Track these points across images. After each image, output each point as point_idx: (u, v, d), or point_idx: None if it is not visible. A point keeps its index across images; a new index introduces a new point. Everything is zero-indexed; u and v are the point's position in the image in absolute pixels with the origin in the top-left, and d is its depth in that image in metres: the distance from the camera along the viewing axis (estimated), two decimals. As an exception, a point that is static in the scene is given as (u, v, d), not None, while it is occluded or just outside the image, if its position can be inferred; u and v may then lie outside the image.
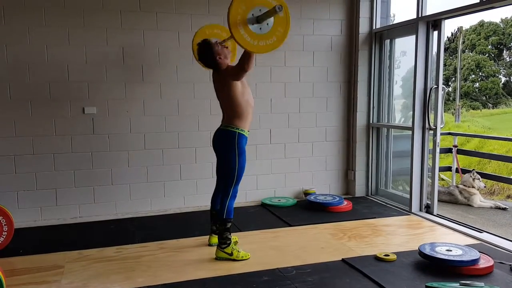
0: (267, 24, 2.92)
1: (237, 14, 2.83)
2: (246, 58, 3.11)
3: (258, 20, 2.88)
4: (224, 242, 3.42)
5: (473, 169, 5.87)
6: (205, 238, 3.85)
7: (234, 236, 3.64)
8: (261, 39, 2.89)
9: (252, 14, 2.85)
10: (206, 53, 3.40)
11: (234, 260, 3.41)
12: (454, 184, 6.48)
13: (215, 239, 3.70)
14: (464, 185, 5.75)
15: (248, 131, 3.48)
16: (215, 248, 3.53)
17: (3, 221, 3.65)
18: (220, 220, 3.44)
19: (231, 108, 3.41)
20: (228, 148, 3.38)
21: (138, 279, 3.12)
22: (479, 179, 5.71)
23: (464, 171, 6.59)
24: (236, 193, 3.45)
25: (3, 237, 3.65)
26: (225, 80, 3.38)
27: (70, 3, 4.39)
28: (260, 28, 2.87)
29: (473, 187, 5.69)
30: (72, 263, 3.41)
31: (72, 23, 4.42)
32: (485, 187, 5.69)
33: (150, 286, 3.01)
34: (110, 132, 4.64)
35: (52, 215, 4.55)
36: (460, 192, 5.70)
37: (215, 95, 4.92)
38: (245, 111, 3.40)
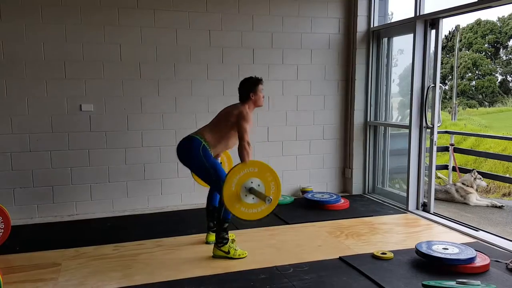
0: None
1: (230, 189, 3.15)
2: (245, 155, 3.24)
3: (251, 191, 3.20)
4: (221, 242, 3.42)
5: (474, 169, 5.88)
6: (202, 236, 3.86)
7: (231, 234, 3.64)
8: (252, 208, 3.23)
9: (245, 187, 3.19)
10: (246, 84, 3.54)
11: (231, 258, 3.41)
12: (451, 182, 6.51)
13: (212, 237, 3.70)
14: (463, 183, 5.76)
15: (216, 157, 3.56)
16: (212, 246, 3.53)
17: (-1, 218, 3.63)
18: (218, 219, 3.44)
19: (215, 131, 3.46)
20: (193, 156, 3.38)
21: (135, 276, 3.12)
22: (480, 178, 5.72)
23: (462, 170, 6.61)
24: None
25: (-1, 235, 3.64)
26: (232, 119, 3.43)
27: (67, 0, 4.37)
28: (253, 198, 3.21)
29: (471, 186, 5.70)
30: (69, 260, 3.41)
31: (69, 20, 4.40)
32: (487, 185, 5.70)
33: (148, 284, 3.00)
34: (107, 130, 4.63)
35: (49, 212, 4.54)
36: (457, 191, 5.72)
37: (213, 93, 4.95)
38: (225, 141, 3.49)
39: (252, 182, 3.19)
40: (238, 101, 3.60)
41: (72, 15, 4.40)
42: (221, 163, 3.77)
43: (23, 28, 4.29)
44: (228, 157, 4.11)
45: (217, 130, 3.47)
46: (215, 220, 3.52)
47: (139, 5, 4.59)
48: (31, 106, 4.39)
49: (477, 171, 5.86)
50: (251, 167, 3.21)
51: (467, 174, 5.88)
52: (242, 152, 3.26)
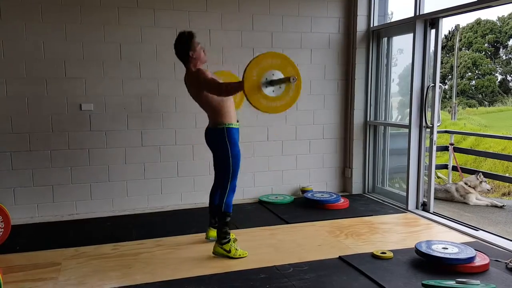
0: (280, 87, 3.07)
1: (252, 77, 2.97)
2: (231, 90, 3.13)
3: (272, 83, 3.03)
4: (224, 237, 3.42)
5: (479, 171, 5.86)
6: (202, 235, 3.86)
7: (232, 234, 3.64)
8: (273, 101, 3.05)
9: (266, 78, 3.01)
10: (181, 44, 3.35)
11: (231, 258, 3.41)
12: (451, 182, 6.51)
13: (213, 232, 3.70)
14: (465, 183, 5.74)
15: (238, 121, 3.48)
16: (212, 245, 3.53)
17: (-1, 217, 3.64)
18: (219, 214, 3.44)
19: (211, 110, 3.42)
20: (220, 144, 3.39)
21: (136, 276, 3.12)
22: (485, 181, 5.72)
23: (464, 170, 6.61)
24: (234, 187, 3.46)
25: (-1, 234, 3.64)
26: (198, 86, 3.34)
27: (67, -1, 4.37)
28: (273, 91, 3.03)
29: (475, 188, 5.68)
30: (69, 260, 3.41)
31: (69, 19, 4.40)
32: (491, 188, 5.68)
33: (148, 284, 3.01)
34: (107, 129, 4.63)
35: (49, 211, 4.54)
36: (457, 190, 5.72)
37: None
38: (225, 107, 3.39)
39: (273, 74, 3.02)
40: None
41: (72, 15, 4.40)
42: None
43: (23, 27, 4.28)
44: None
45: (210, 109, 3.39)
46: (217, 214, 3.51)
47: (139, 4, 4.58)
48: (31, 105, 4.39)
49: (482, 173, 5.82)
50: (274, 59, 3.02)
51: (472, 175, 5.84)
52: (215, 90, 3.17)
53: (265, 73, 3.02)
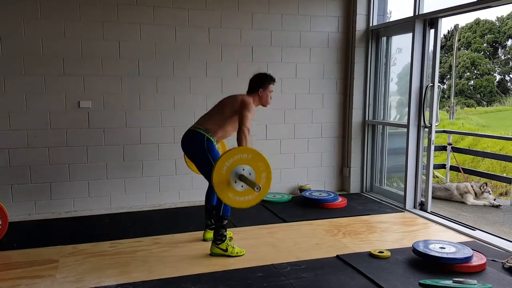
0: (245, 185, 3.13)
1: (220, 170, 3.04)
2: (242, 139, 3.19)
3: (241, 178, 3.09)
4: (219, 239, 3.42)
5: (485, 183, 5.85)
6: (200, 233, 3.86)
7: (229, 232, 3.64)
8: (239, 195, 3.10)
9: (236, 172, 3.08)
10: (260, 79, 3.52)
11: (228, 256, 3.41)
12: (449, 181, 6.52)
13: (210, 234, 3.71)
14: (471, 186, 5.72)
15: (216, 143, 3.49)
16: (210, 243, 3.53)
17: (-3, 214, 3.63)
18: (217, 217, 3.43)
19: (215, 120, 3.44)
20: (198, 149, 3.38)
21: (133, 274, 3.12)
22: (489, 192, 5.71)
23: (464, 170, 6.61)
24: None
25: (-3, 231, 3.64)
26: (238, 105, 3.39)
27: (66, -4, 4.36)
28: (242, 186, 3.09)
29: (475, 195, 5.67)
30: (67, 257, 3.41)
31: (68, 16, 4.39)
32: (494, 200, 5.64)
33: (145, 281, 3.01)
34: (105, 126, 4.63)
35: (47, 209, 4.53)
36: (457, 188, 5.72)
37: (212, 91, 4.94)
38: (225, 130, 3.47)
39: (243, 169, 3.09)
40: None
41: (71, 11, 4.39)
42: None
43: (21, 23, 4.27)
44: (223, 147, 4.04)
45: (218, 118, 3.43)
46: (214, 217, 3.52)
47: (138, 1, 4.57)
48: (29, 102, 4.38)
49: (486, 185, 5.78)
50: (245, 153, 3.10)
51: (477, 183, 5.81)
52: (240, 136, 3.19)
53: (235, 168, 3.07)
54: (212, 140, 3.39)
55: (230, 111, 3.42)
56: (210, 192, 3.69)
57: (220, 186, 3.05)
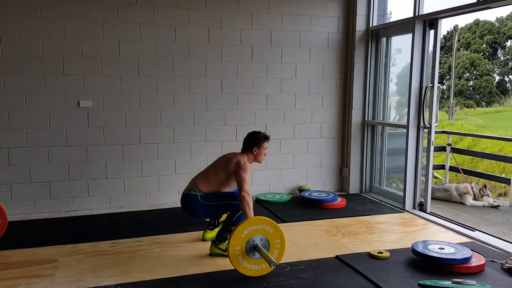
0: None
1: (239, 238, 3.08)
2: (246, 208, 3.20)
3: (255, 248, 3.12)
4: (220, 240, 3.43)
5: (485, 185, 5.85)
6: (200, 233, 3.86)
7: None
8: (252, 264, 3.12)
9: (253, 241, 3.11)
10: (253, 138, 3.58)
11: (228, 256, 3.40)
12: (448, 182, 6.52)
13: (209, 234, 3.72)
14: (471, 187, 5.72)
15: None
16: (209, 243, 3.54)
17: (-4, 214, 3.63)
18: (229, 221, 3.42)
19: (212, 180, 3.46)
20: (197, 208, 3.43)
21: (133, 273, 3.12)
22: (488, 195, 5.71)
23: (463, 171, 6.61)
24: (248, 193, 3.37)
25: (-4, 230, 3.64)
26: (230, 169, 3.43)
27: (66, -5, 4.36)
28: (254, 254, 3.13)
29: (474, 196, 5.67)
30: (66, 257, 3.41)
31: (67, 16, 4.39)
32: (494, 201, 5.64)
33: (145, 281, 3.01)
34: (105, 126, 4.62)
35: (46, 208, 4.53)
36: (456, 189, 5.72)
37: (211, 91, 4.95)
38: (220, 190, 3.49)
39: (261, 240, 3.13)
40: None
41: (70, 11, 4.39)
42: None
43: (21, 23, 4.27)
44: None
45: (213, 177, 3.48)
46: (227, 219, 3.47)
47: (138, 1, 4.57)
48: (28, 102, 4.38)
49: (486, 188, 5.78)
50: (268, 226, 3.13)
51: (478, 185, 5.81)
52: (243, 204, 3.23)
53: (254, 236, 3.11)
54: (204, 195, 3.42)
55: (225, 175, 3.45)
56: None
57: (235, 249, 3.06)
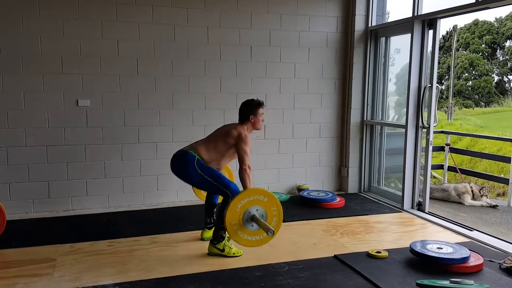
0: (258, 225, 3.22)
1: (234, 212, 3.13)
2: (246, 180, 3.27)
3: (253, 219, 3.19)
4: (217, 239, 3.43)
5: (484, 186, 5.86)
6: (198, 232, 3.86)
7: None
8: (251, 235, 3.21)
9: (249, 212, 3.18)
10: (248, 106, 3.54)
11: (225, 256, 3.41)
12: (446, 182, 6.53)
13: (207, 233, 3.72)
14: (471, 186, 5.73)
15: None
16: (207, 243, 3.54)
17: (-5, 213, 3.62)
18: (218, 217, 3.42)
19: (211, 148, 3.43)
20: (189, 170, 3.35)
21: (131, 273, 3.12)
22: (486, 196, 5.72)
23: (461, 171, 6.62)
24: (236, 193, 3.36)
25: (-6, 229, 3.63)
26: (230, 142, 3.42)
27: (65, -6, 4.35)
28: (252, 225, 3.20)
29: (473, 196, 5.68)
30: (64, 256, 3.41)
31: (66, 15, 4.38)
32: (495, 204, 5.64)
33: (143, 280, 3.01)
34: (103, 125, 4.62)
35: (45, 207, 4.53)
36: (455, 189, 5.73)
37: (210, 90, 4.95)
38: (220, 162, 3.48)
39: (257, 210, 3.19)
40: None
41: (69, 10, 4.39)
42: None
43: (20, 22, 4.26)
44: (229, 172, 4.10)
45: (212, 147, 3.45)
46: (216, 217, 3.48)
47: (137, 0, 4.57)
48: (27, 101, 4.37)
49: (485, 189, 5.80)
50: (261, 195, 3.19)
51: (477, 186, 5.82)
52: (243, 176, 3.28)
53: (249, 208, 3.17)
54: (203, 162, 3.37)
55: (225, 147, 3.44)
56: None
57: (232, 227, 3.13)
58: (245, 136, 3.43)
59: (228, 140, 3.43)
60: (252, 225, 3.18)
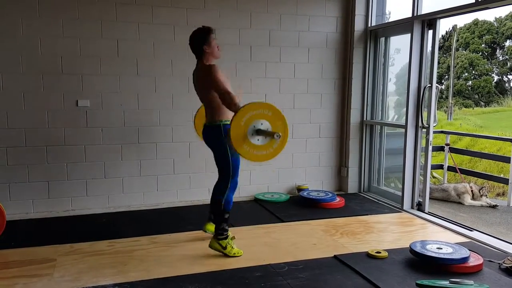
0: (265, 137, 3.13)
1: (240, 123, 3.04)
2: (231, 105, 3.12)
3: (258, 132, 3.10)
4: (221, 234, 3.41)
5: (484, 186, 5.86)
6: (198, 232, 3.86)
7: (229, 232, 3.63)
8: (257, 149, 3.12)
9: (254, 126, 3.09)
10: (197, 37, 3.36)
11: (226, 255, 3.41)
12: (446, 182, 6.54)
13: (211, 226, 3.69)
14: (470, 186, 5.73)
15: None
16: (207, 243, 3.53)
17: (-6, 213, 3.62)
18: (219, 210, 3.43)
19: (210, 106, 3.40)
20: (217, 141, 3.38)
21: (131, 273, 3.12)
22: (486, 195, 5.72)
23: (461, 171, 6.63)
24: (235, 184, 3.44)
25: (-6, 229, 3.63)
26: (206, 80, 3.31)
27: (64, -5, 4.35)
28: (258, 139, 3.12)
29: (472, 196, 5.68)
30: (64, 256, 3.41)
31: (66, 15, 4.38)
32: (494, 204, 5.65)
33: (143, 281, 3.01)
34: (103, 125, 4.62)
35: (44, 207, 4.53)
36: (454, 189, 5.74)
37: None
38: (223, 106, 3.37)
39: (262, 124, 3.09)
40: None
41: (69, 10, 4.38)
42: None
43: (19, 22, 4.26)
44: None
45: (211, 105, 3.36)
46: (215, 210, 3.47)
47: (137, 1, 4.57)
48: (27, 101, 4.37)
49: (485, 189, 5.80)
50: (266, 109, 3.09)
51: (477, 186, 5.83)
52: (225, 99, 3.12)
53: (253, 121, 3.08)
54: (226, 123, 3.29)
55: (208, 96, 3.33)
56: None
57: (237, 138, 3.02)
58: (210, 67, 3.27)
59: (207, 86, 3.30)
60: (258, 140, 3.08)
